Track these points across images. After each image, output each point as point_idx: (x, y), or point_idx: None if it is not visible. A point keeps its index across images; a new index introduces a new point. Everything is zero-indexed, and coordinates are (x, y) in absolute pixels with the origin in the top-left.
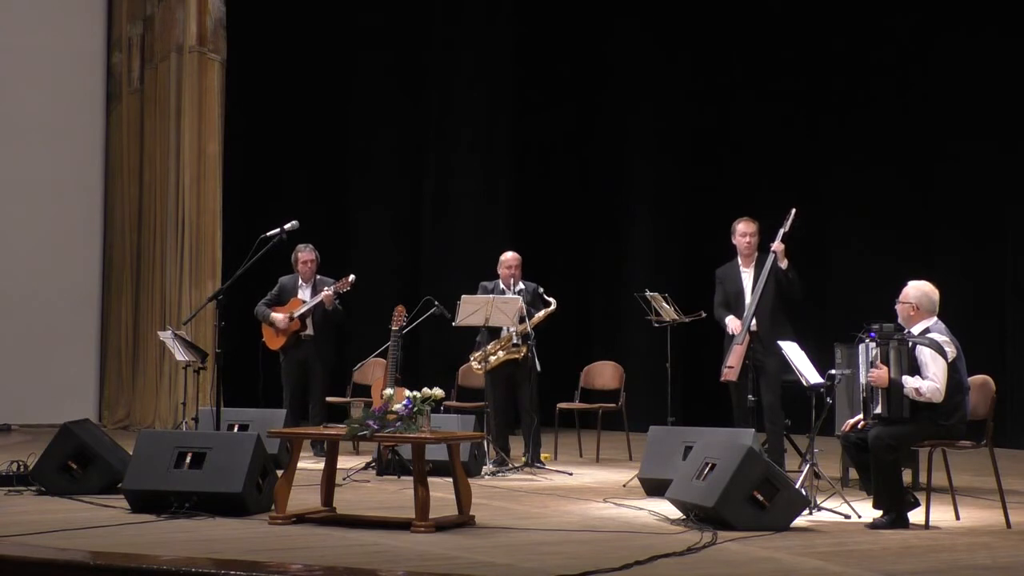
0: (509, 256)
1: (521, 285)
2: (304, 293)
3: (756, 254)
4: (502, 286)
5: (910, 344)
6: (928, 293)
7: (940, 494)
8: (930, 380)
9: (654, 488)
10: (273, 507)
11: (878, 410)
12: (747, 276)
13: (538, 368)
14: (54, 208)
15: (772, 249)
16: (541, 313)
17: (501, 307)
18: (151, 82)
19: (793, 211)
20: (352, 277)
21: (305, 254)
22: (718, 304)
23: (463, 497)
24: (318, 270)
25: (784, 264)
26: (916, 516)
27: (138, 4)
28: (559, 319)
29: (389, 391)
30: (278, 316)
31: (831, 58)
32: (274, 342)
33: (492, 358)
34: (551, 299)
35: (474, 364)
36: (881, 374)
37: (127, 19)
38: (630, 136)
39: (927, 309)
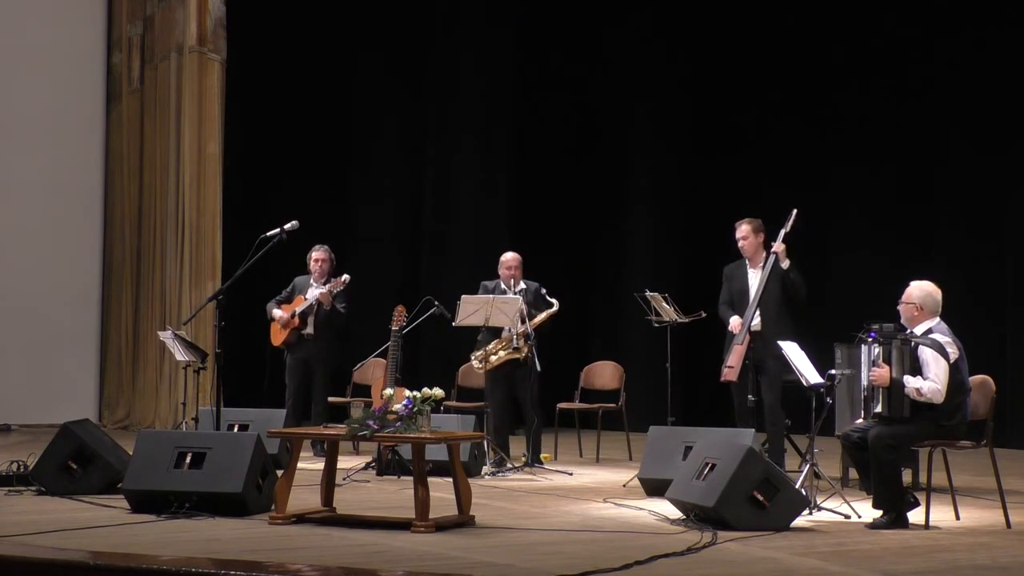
0: (509, 256)
1: (522, 285)
2: (311, 292)
3: (764, 254)
4: (503, 286)
5: (912, 344)
6: (932, 293)
7: (940, 494)
8: (931, 381)
9: (654, 488)
10: (273, 507)
11: (878, 409)
12: (753, 276)
13: (538, 368)
14: (54, 208)
15: (773, 250)
16: (543, 315)
17: (501, 307)
18: (151, 82)
19: (795, 212)
20: (346, 277)
21: (317, 253)
22: (723, 303)
23: (463, 497)
24: (331, 271)
25: (785, 264)
26: (916, 516)
27: (138, 4)
28: (559, 319)
29: (389, 391)
30: (279, 312)
31: (832, 58)
32: (276, 337)
33: (493, 357)
34: (553, 300)
35: (474, 363)
36: (883, 373)
37: (127, 19)
38: (630, 135)
39: (930, 310)
